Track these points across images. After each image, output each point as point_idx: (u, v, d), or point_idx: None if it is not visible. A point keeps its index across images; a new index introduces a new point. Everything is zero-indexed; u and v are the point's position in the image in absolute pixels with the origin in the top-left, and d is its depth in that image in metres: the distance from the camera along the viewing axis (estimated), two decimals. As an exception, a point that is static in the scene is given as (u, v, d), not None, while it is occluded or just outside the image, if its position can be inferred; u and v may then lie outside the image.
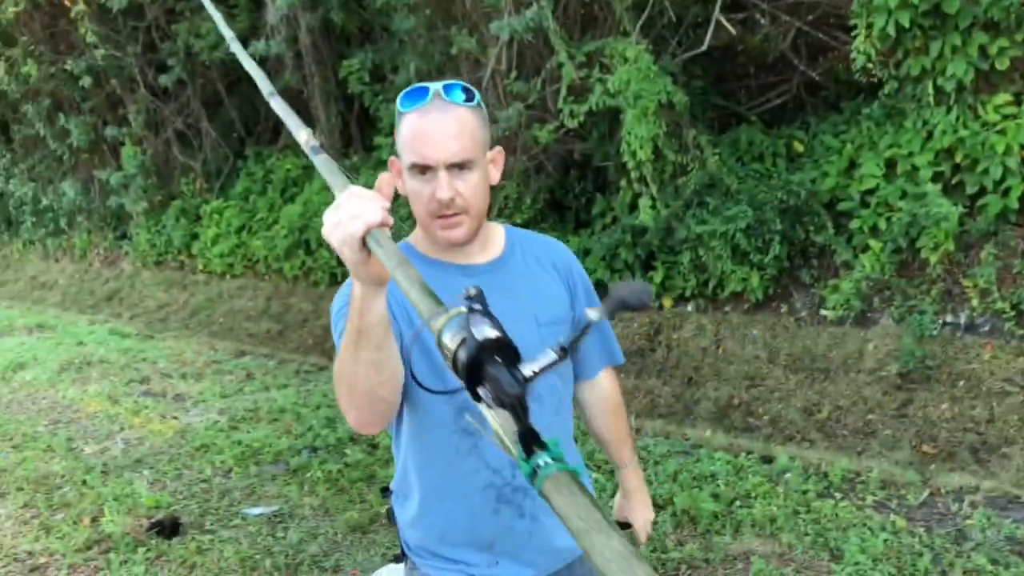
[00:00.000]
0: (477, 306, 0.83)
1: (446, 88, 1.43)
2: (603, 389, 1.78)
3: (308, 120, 10.18)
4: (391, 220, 1.05)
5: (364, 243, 1.03)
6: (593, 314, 0.83)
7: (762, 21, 6.22)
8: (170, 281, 11.41)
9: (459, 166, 1.42)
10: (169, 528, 4.06)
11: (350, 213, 1.03)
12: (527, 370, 0.80)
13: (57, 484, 4.81)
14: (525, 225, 6.51)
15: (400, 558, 1.67)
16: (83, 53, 10.92)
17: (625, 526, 1.85)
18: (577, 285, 1.67)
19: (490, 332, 0.79)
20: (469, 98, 1.45)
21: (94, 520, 4.25)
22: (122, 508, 4.33)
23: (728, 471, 4.19)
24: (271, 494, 4.50)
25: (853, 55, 4.83)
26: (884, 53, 4.76)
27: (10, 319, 11.07)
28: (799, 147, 5.77)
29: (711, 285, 5.67)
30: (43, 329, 10.27)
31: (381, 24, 7.72)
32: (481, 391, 0.78)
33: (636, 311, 0.85)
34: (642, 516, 1.85)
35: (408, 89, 1.47)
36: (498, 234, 1.64)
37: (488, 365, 0.78)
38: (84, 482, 4.79)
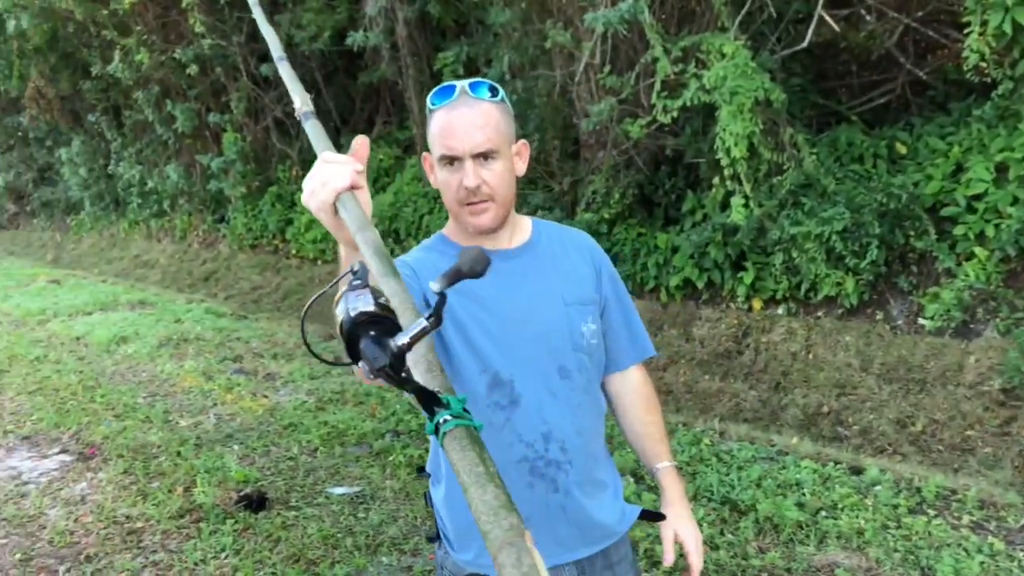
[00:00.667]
0: (358, 281, 0.86)
1: (472, 85, 1.54)
2: (633, 383, 1.78)
3: (402, 111, 10.39)
4: (362, 182, 1.08)
5: (333, 208, 1.07)
6: (435, 285, 0.85)
7: (867, 17, 6.00)
8: (264, 264, 11.79)
9: (484, 156, 1.51)
10: (256, 502, 4.20)
11: (321, 179, 1.07)
12: (401, 340, 0.82)
13: (154, 454, 5.03)
14: (613, 220, 6.49)
15: (435, 539, 1.71)
16: (191, 43, 11.36)
17: (657, 516, 1.73)
18: (603, 270, 1.73)
19: (365, 306, 0.83)
20: (494, 94, 1.55)
21: (187, 490, 4.43)
22: (213, 480, 4.50)
23: (814, 480, 4.08)
24: (354, 475, 4.60)
25: (965, 53, 4.61)
26: (999, 52, 4.53)
27: (115, 295, 11.60)
28: (902, 148, 5.55)
29: (803, 288, 5.52)
30: (144, 305, 10.73)
31: (476, 17, 7.77)
32: (360, 363, 0.83)
33: (471, 277, 0.87)
34: (691, 535, 1.71)
35: (437, 88, 1.57)
36: (526, 224, 1.71)
37: (361, 339, 0.82)
38: (179, 453, 4.99)
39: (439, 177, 1.57)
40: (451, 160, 1.53)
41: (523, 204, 7.29)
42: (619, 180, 6.52)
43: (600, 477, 1.66)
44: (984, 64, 4.56)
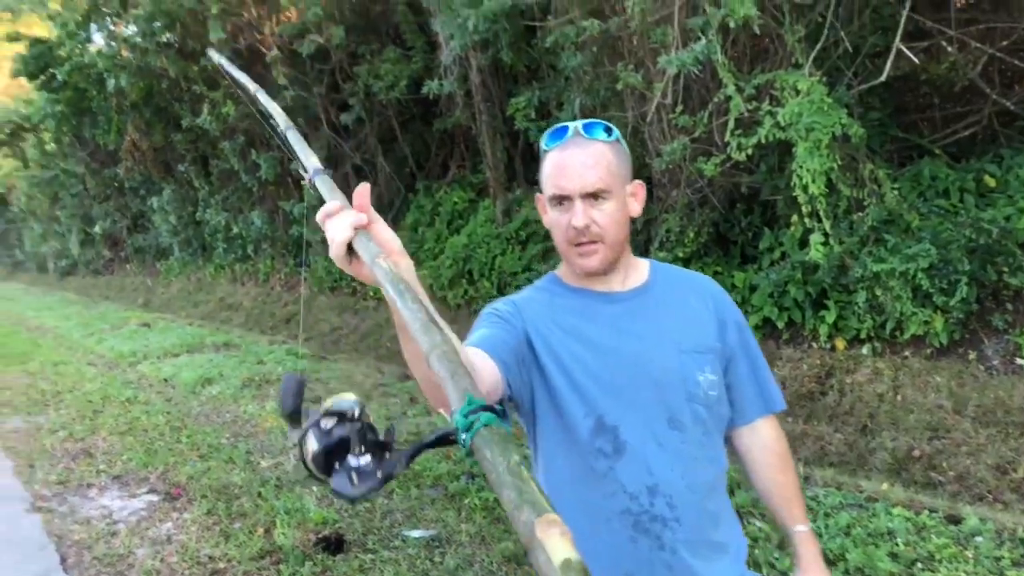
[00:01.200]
0: (296, 431, 0.93)
1: (586, 126, 1.52)
2: (763, 438, 1.68)
3: (475, 155, 10.57)
4: (370, 218, 1.10)
5: (348, 255, 1.10)
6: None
7: (949, 49, 5.85)
8: (343, 306, 12.03)
9: (594, 196, 1.49)
10: (334, 544, 4.23)
11: (329, 237, 1.10)
12: (354, 463, 0.87)
13: (236, 494, 5.12)
14: (688, 259, 6.41)
15: None
16: (275, 96, 11.81)
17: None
18: (728, 318, 1.64)
19: (313, 447, 0.89)
20: (608, 134, 1.53)
21: (267, 531, 4.50)
22: (292, 521, 4.56)
23: (908, 529, 3.89)
24: (430, 517, 4.59)
25: (1055, 82, 4.44)
26: (1092, 80, 4.35)
27: (201, 337, 12.00)
28: (991, 181, 5.36)
29: (889, 327, 5.33)
30: (229, 347, 11.05)
31: (548, 62, 7.88)
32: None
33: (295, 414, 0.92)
34: None
35: (551, 129, 1.56)
36: (642, 266, 1.66)
37: (331, 477, 0.88)
38: (259, 494, 5.08)
39: (550, 217, 1.56)
40: (561, 200, 1.51)
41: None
42: (693, 219, 6.46)
43: (718, 539, 1.55)
44: (1076, 93, 4.38)
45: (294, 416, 0.85)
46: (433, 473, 5.22)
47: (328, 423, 0.86)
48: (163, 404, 7.80)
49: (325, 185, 1.29)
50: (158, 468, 5.75)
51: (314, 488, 5.12)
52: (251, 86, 2.02)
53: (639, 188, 1.60)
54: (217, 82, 12.93)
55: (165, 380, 9.00)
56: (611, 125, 1.55)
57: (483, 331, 1.51)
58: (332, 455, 0.84)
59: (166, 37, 13.00)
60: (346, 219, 1.09)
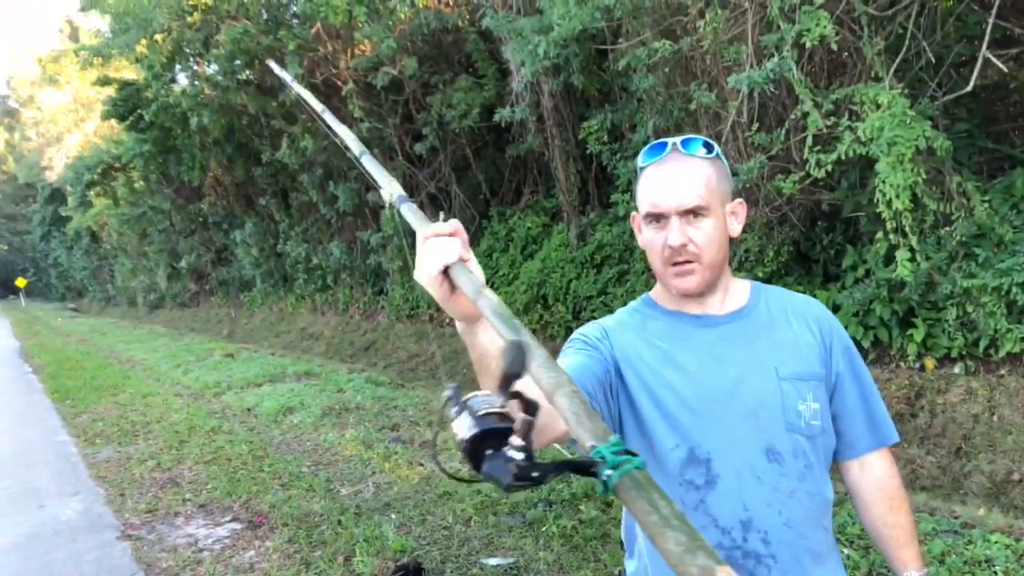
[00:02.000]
0: (455, 407, 0.88)
1: (684, 142, 1.47)
2: (874, 474, 1.58)
3: (548, 180, 10.63)
4: (468, 255, 1.09)
5: (444, 280, 1.08)
6: (497, 400, 0.87)
7: (1039, 55, 5.63)
8: (420, 333, 12.17)
9: (692, 213, 1.43)
10: (413, 572, 4.23)
11: (432, 254, 1.08)
12: (516, 443, 0.82)
13: (316, 522, 5.19)
14: (768, 279, 6.28)
15: None
16: (351, 126, 12.05)
17: None
18: (834, 343, 1.55)
19: (467, 432, 0.84)
20: (708, 151, 1.47)
21: (347, 559, 4.53)
22: (371, 549, 4.59)
23: (1007, 556, 3.71)
24: (507, 545, 4.57)
25: None
26: None
27: (283, 367, 12.26)
28: (1089, 191, 5.11)
29: (982, 345, 5.12)
30: (309, 376, 11.27)
31: (620, 85, 7.88)
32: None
33: (518, 376, 0.84)
34: None
35: (649, 145, 1.51)
36: (743, 288, 1.59)
37: (482, 462, 0.84)
38: (339, 522, 5.13)
39: (644, 236, 1.50)
40: (657, 217, 1.46)
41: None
42: (772, 238, 6.34)
43: None
44: None
45: (509, 378, 0.85)
46: (511, 501, 5.20)
47: (483, 408, 0.86)
48: (246, 433, 7.99)
49: (411, 213, 1.31)
50: (241, 497, 5.88)
51: (393, 516, 5.16)
52: (317, 105, 2.05)
53: (740, 207, 1.54)
54: (295, 116, 13.34)
55: (248, 410, 9.23)
56: (711, 141, 1.49)
57: (570, 359, 1.46)
58: (484, 442, 0.84)
59: (246, 74, 13.49)
60: (455, 244, 1.08)
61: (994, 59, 4.90)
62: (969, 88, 4.97)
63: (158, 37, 13.81)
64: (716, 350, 1.48)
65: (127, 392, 11.41)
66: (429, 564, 4.37)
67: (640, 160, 1.50)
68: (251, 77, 13.59)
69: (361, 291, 14.97)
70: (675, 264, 1.46)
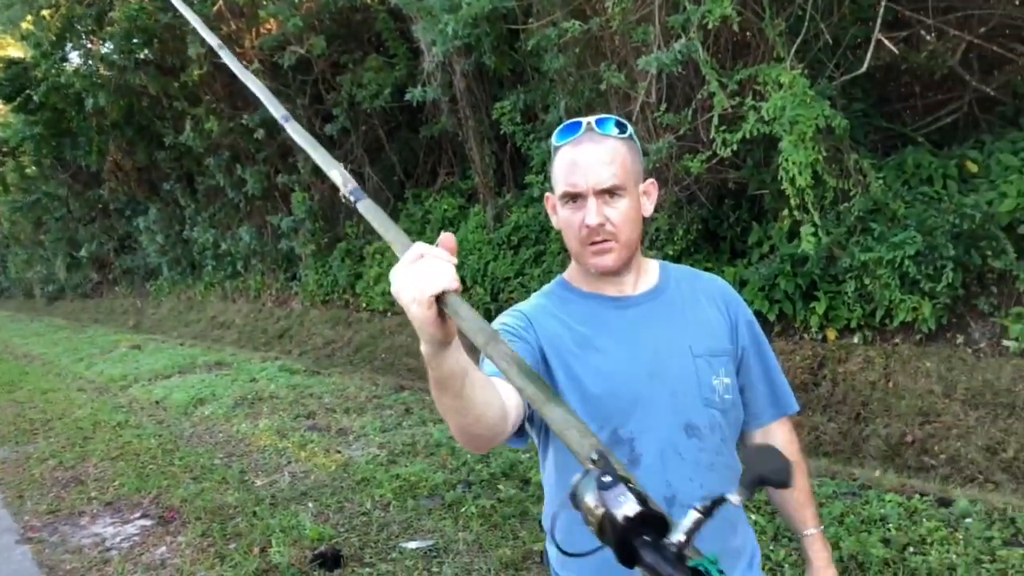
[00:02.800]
0: (607, 477, 0.80)
1: (599, 121, 1.47)
2: (776, 442, 1.63)
3: (464, 161, 10.59)
4: (459, 284, 1.03)
5: (435, 303, 1.01)
6: (735, 498, 0.81)
7: (928, 37, 5.90)
8: (336, 319, 12.02)
9: (608, 192, 1.44)
10: (331, 560, 4.19)
11: (425, 273, 1.00)
12: (676, 538, 0.78)
13: (231, 515, 5.08)
14: (678, 256, 6.43)
15: None
16: (257, 108, 11.81)
17: None
18: (739, 318, 1.61)
19: (631, 509, 0.77)
20: (621, 130, 1.48)
21: (263, 551, 4.45)
22: (288, 539, 4.53)
23: (900, 514, 3.92)
24: (427, 528, 4.58)
25: (1033, 67, 4.49)
26: (1069, 62, 4.40)
27: (192, 357, 11.92)
28: (973, 167, 5.41)
29: (878, 315, 5.37)
30: (221, 366, 10.98)
31: (532, 65, 7.90)
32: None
33: (776, 486, 0.82)
34: None
35: (563, 124, 1.51)
36: (653, 267, 1.62)
37: (639, 549, 0.77)
38: (255, 513, 5.04)
39: (560, 216, 1.51)
40: (574, 197, 1.46)
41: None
42: (682, 216, 6.49)
43: (735, 545, 1.55)
44: (1054, 76, 4.43)
45: (764, 483, 0.80)
46: (430, 483, 5.21)
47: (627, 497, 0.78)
48: (155, 427, 7.76)
49: (373, 212, 1.24)
50: (151, 492, 5.71)
51: (310, 505, 5.11)
52: (236, 66, 1.94)
53: (651, 187, 1.56)
54: (199, 97, 12.91)
55: (156, 402, 8.95)
56: (624, 121, 1.50)
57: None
58: (641, 527, 0.78)
59: (144, 54, 12.97)
60: (451, 268, 1.01)
61: (886, 41, 5.12)
62: (864, 69, 5.18)
63: (45, 13, 13.14)
64: (634, 331, 1.51)
65: (24, 389, 10.93)
66: (348, 551, 4.34)
67: (554, 140, 1.51)
68: (150, 56, 13.08)
69: (273, 277, 14.66)
70: (593, 243, 1.47)
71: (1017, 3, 5.28)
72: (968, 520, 3.80)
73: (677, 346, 1.51)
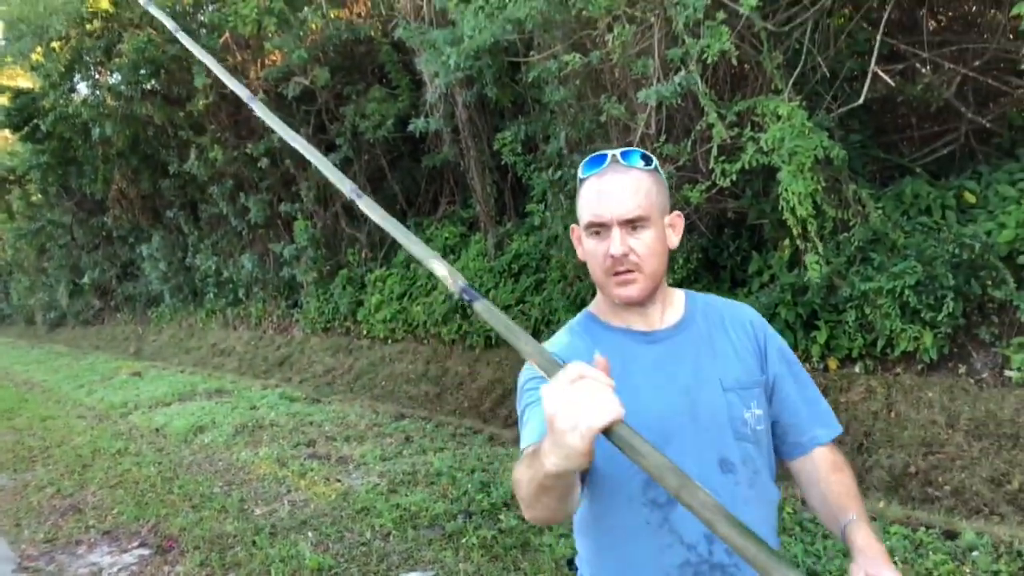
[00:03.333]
0: None
1: (624, 154, 1.48)
2: (822, 468, 1.58)
3: (465, 190, 10.64)
4: (623, 412, 1.00)
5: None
6: None
7: (923, 70, 5.97)
8: (336, 346, 12.01)
9: (632, 223, 1.44)
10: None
11: (589, 403, 0.98)
12: None
13: (230, 544, 5.04)
14: (679, 285, 6.41)
15: None
16: (261, 137, 11.93)
17: None
18: (768, 345, 1.59)
19: None
20: (647, 163, 1.49)
21: (263, 580, 4.42)
22: (287, 569, 4.49)
23: (906, 547, 3.90)
24: (427, 558, 4.54)
25: (1029, 99, 4.55)
26: (1064, 95, 4.46)
27: (193, 384, 11.88)
28: (970, 198, 5.44)
29: (879, 345, 5.38)
30: (221, 393, 10.95)
31: (533, 96, 7.98)
32: None
33: None
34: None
35: (589, 157, 1.53)
36: (678, 299, 1.62)
37: None
38: (254, 543, 5.00)
39: (585, 247, 1.51)
40: (599, 228, 1.47)
41: (587, 274, 7.30)
42: (682, 246, 6.51)
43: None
44: (1049, 108, 4.48)
45: None
46: (430, 513, 5.18)
47: None
48: (154, 455, 7.72)
49: (492, 313, 1.19)
50: (149, 521, 5.67)
51: (309, 534, 5.08)
52: (243, 92, 1.95)
53: (677, 219, 1.56)
54: (204, 127, 13.02)
55: (156, 430, 8.91)
56: (649, 154, 1.51)
57: (539, 420, 1.37)
58: None
59: (151, 84, 13.10)
60: (614, 398, 0.98)
61: (882, 74, 5.18)
62: (861, 101, 5.23)
63: (55, 44, 13.29)
64: (665, 367, 1.50)
65: (24, 416, 10.89)
66: (348, 581, 4.30)
67: (580, 172, 1.52)
68: (157, 87, 13.21)
69: (274, 304, 14.67)
70: (616, 273, 1.47)
71: (1011, 37, 5.35)
72: (975, 553, 3.78)
73: (707, 381, 1.50)
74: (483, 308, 1.20)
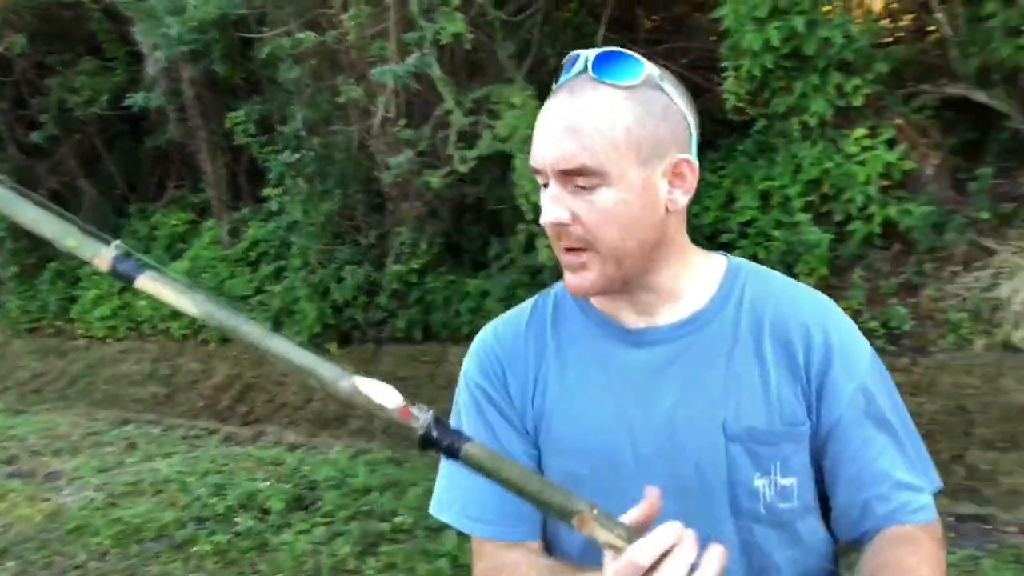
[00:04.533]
0: None
1: (600, 58, 0.97)
2: (905, 556, 0.96)
3: (195, 173, 10.01)
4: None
5: None
6: None
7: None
8: (45, 349, 10.78)
9: (576, 174, 0.94)
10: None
11: None
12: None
13: None
14: (423, 270, 6.51)
15: None
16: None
17: None
18: (833, 376, 0.99)
19: None
20: (631, 74, 0.97)
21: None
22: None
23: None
24: (153, 574, 4.27)
25: (725, 96, 5.11)
26: (752, 93, 5.06)
27: None
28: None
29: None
30: None
31: (268, 75, 7.66)
32: None
33: None
34: None
35: (567, 57, 1.04)
36: (710, 276, 1.06)
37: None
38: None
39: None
40: (544, 180, 0.99)
41: (330, 260, 7.17)
42: (425, 231, 6.59)
43: None
44: (741, 104, 5.09)
45: None
46: (157, 524, 4.83)
47: None
48: None
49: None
50: None
51: (10, 564, 4.52)
52: None
53: (685, 165, 1.01)
54: None
55: None
56: (642, 59, 0.99)
57: (485, 491, 1.00)
58: None
59: None
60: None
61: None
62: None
63: None
64: (646, 387, 1.01)
65: None
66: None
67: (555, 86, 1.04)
68: None
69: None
70: (567, 251, 0.99)
71: (713, 39, 5.95)
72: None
73: (704, 419, 0.98)
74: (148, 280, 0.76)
